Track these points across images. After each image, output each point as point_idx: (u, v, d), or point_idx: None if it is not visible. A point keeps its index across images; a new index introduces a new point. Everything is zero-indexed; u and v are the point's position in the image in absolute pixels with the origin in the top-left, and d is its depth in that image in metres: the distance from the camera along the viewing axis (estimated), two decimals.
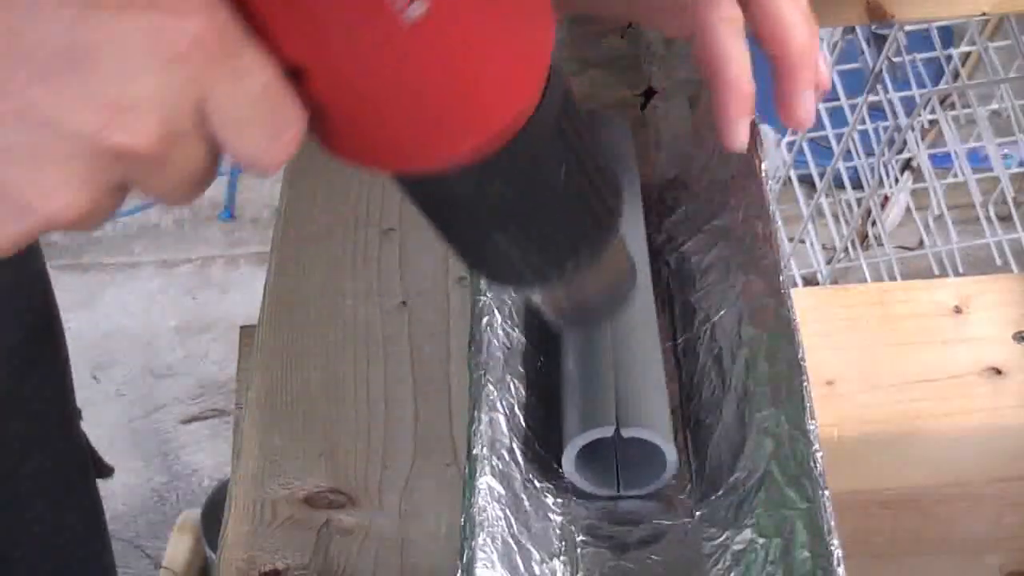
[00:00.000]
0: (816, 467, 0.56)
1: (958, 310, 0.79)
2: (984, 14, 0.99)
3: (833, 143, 1.59)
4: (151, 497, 1.85)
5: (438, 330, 0.73)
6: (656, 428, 0.60)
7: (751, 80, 0.62)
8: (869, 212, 1.65)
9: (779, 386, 0.60)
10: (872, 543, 0.74)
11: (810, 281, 1.64)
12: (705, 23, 0.61)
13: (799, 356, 0.61)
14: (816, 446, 0.57)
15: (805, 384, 0.60)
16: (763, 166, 0.70)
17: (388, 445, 0.68)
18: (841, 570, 0.53)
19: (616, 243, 0.51)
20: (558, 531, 0.59)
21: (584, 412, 0.61)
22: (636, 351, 0.63)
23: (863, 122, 1.54)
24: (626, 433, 0.59)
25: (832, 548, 0.53)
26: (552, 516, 0.60)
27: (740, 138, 0.63)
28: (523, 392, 0.63)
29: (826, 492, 0.55)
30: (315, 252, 0.78)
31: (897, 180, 1.66)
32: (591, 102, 0.83)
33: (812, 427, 0.58)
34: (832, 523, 0.54)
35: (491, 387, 0.60)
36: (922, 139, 1.72)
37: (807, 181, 1.73)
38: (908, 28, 1.48)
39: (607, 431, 0.59)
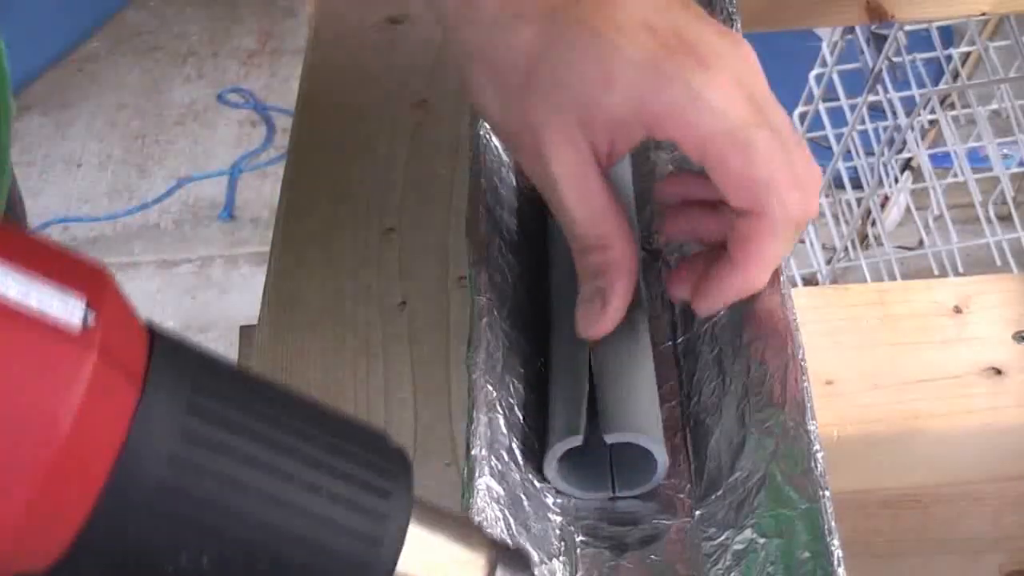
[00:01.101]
0: (817, 467, 0.56)
1: (958, 310, 0.79)
2: (984, 14, 0.99)
3: (833, 143, 1.59)
4: None
5: (438, 330, 0.73)
6: (641, 430, 0.60)
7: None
8: (869, 212, 1.65)
9: (780, 386, 0.60)
10: (872, 543, 0.74)
11: (810, 281, 1.64)
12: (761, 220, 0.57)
13: (800, 356, 0.61)
14: (817, 446, 0.57)
15: (806, 384, 0.60)
16: None
17: None
18: (842, 571, 0.53)
19: None
20: (557, 531, 0.59)
21: (560, 421, 0.61)
22: (618, 354, 0.63)
23: (863, 122, 1.54)
24: (610, 439, 0.59)
25: (833, 549, 0.53)
26: (551, 516, 0.59)
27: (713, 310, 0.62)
28: (523, 392, 0.63)
29: (827, 493, 0.55)
30: (315, 252, 0.78)
31: (897, 180, 1.66)
32: None
33: (813, 427, 0.58)
34: (833, 523, 0.54)
35: (490, 387, 0.60)
36: (922, 139, 1.72)
37: None
38: (908, 28, 1.48)
39: (576, 441, 0.59)
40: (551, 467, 0.60)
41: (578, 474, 0.61)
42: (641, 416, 0.61)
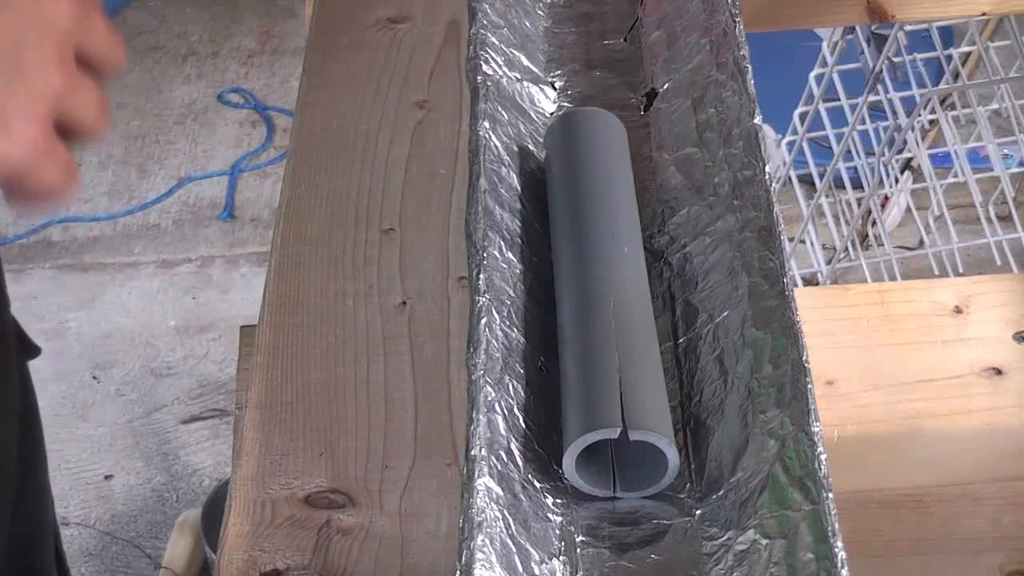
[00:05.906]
0: (820, 469, 0.56)
1: (958, 310, 0.79)
2: (984, 14, 0.99)
3: (833, 143, 1.59)
4: (151, 497, 1.85)
5: (438, 330, 0.73)
6: (662, 432, 0.60)
7: None
8: (869, 212, 1.65)
9: (783, 388, 0.60)
10: (872, 543, 0.74)
11: (810, 281, 1.64)
12: None
13: (803, 358, 0.61)
14: (820, 448, 0.57)
15: (809, 386, 0.60)
16: (767, 168, 0.70)
17: (388, 445, 0.68)
18: (845, 572, 0.53)
19: None
20: (557, 531, 0.59)
21: (587, 413, 0.60)
22: (639, 353, 0.63)
23: (863, 122, 1.54)
24: (634, 436, 0.59)
25: (836, 550, 0.53)
26: (551, 516, 0.59)
27: None
28: (522, 393, 0.63)
29: (830, 494, 0.55)
30: (315, 252, 0.78)
31: (897, 180, 1.66)
32: (593, 103, 0.83)
33: (816, 429, 0.58)
34: (836, 525, 0.54)
35: (489, 388, 0.60)
36: (922, 139, 1.72)
37: (807, 181, 1.73)
38: (908, 28, 1.48)
39: (612, 432, 0.59)
40: (571, 459, 0.60)
41: (582, 471, 0.61)
42: (661, 417, 0.61)
